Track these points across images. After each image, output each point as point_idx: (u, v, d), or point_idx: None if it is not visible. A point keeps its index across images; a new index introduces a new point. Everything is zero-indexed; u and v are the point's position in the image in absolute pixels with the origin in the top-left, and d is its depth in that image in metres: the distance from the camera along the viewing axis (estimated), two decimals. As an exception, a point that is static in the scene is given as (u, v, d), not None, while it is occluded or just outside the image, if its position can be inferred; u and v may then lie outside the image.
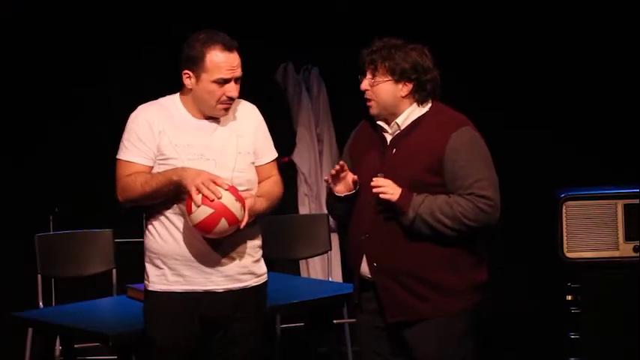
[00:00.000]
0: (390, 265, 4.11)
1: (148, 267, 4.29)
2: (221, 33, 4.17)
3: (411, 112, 4.16)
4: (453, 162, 4.05)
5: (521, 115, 6.68)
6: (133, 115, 4.25)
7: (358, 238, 4.18)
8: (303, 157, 7.11)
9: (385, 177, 4.11)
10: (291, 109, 7.15)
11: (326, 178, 4.27)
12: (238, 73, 4.16)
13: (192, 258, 4.18)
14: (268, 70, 7.14)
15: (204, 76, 4.12)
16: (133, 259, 6.91)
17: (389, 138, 4.19)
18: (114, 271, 6.13)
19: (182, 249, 4.19)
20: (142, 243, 6.97)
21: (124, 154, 4.24)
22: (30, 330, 6.02)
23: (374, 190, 4.07)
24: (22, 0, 6.87)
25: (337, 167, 4.20)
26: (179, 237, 4.19)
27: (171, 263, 4.21)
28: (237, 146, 4.23)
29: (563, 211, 5.74)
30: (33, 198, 6.93)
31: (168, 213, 4.21)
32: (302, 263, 7.09)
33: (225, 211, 4.04)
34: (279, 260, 6.50)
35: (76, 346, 5.49)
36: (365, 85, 4.18)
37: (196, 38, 4.15)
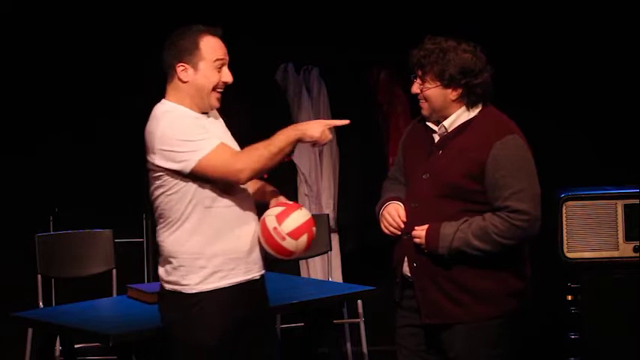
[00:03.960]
0: (428, 266, 4.12)
1: (185, 270, 4.13)
2: (200, 24, 4.20)
3: (459, 116, 4.13)
4: (494, 171, 4.02)
5: (520, 115, 6.66)
6: (175, 118, 4.13)
7: (401, 237, 4.21)
8: (303, 157, 7.11)
9: (430, 177, 4.12)
10: (291, 109, 7.15)
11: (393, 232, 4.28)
12: (228, 58, 4.19)
13: (237, 250, 4.17)
14: (268, 70, 7.14)
15: (201, 63, 4.13)
16: (133, 259, 6.95)
17: (437, 139, 4.18)
18: (114, 271, 6.14)
19: (227, 244, 4.15)
20: (142, 243, 7.05)
21: (212, 142, 4.07)
22: (30, 330, 6.03)
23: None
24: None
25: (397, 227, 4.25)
26: (224, 233, 4.14)
27: (215, 261, 4.13)
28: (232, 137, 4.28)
29: (563, 211, 5.74)
30: (33, 198, 6.94)
31: (207, 212, 4.12)
32: (302, 263, 7.09)
33: (312, 223, 4.19)
34: (279, 260, 6.50)
35: (76, 346, 5.49)
36: (415, 89, 4.16)
37: (181, 32, 4.18)
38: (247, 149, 4.11)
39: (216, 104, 4.22)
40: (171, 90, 4.21)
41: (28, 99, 6.97)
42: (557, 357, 5.90)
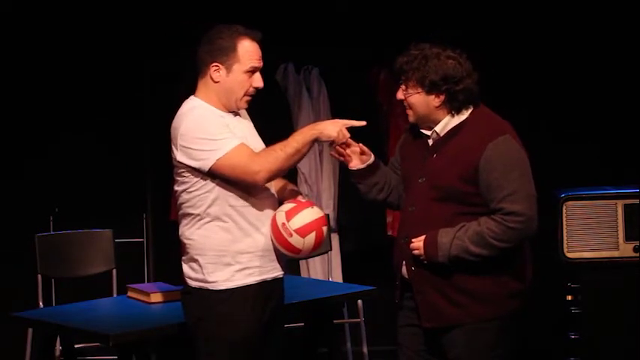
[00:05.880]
0: (427, 269, 4.12)
1: (212, 267, 4.15)
2: (239, 25, 4.20)
3: (448, 121, 4.14)
4: (488, 173, 4.02)
5: (520, 115, 6.66)
6: (199, 115, 4.12)
7: (400, 241, 4.23)
8: (303, 157, 7.09)
9: (426, 181, 4.13)
10: (292, 109, 7.14)
11: (332, 153, 4.35)
12: (262, 64, 4.22)
13: (264, 248, 4.18)
14: (268, 70, 7.13)
15: (236, 66, 4.14)
16: (133, 259, 6.95)
17: (431, 143, 4.19)
18: (114, 271, 6.14)
19: (254, 241, 4.17)
20: (142, 243, 7.05)
21: (232, 142, 4.07)
22: (30, 330, 6.03)
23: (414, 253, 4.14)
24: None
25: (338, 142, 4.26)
26: (250, 230, 4.16)
27: (241, 258, 4.15)
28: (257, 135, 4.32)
29: (563, 211, 5.74)
30: (33, 198, 6.93)
31: (231, 210, 4.14)
32: (302, 263, 7.09)
33: (322, 222, 4.18)
34: (288, 260, 6.50)
35: (76, 346, 5.49)
36: (399, 95, 4.18)
37: (220, 30, 4.17)
38: (264, 151, 4.13)
39: (245, 106, 4.24)
40: (201, 86, 4.21)
41: (28, 99, 6.96)
42: (557, 357, 5.90)
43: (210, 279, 4.16)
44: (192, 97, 4.23)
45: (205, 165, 4.07)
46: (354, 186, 4.40)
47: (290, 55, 7.10)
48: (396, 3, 6.97)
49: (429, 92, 4.10)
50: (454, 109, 4.12)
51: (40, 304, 5.97)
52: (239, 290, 4.15)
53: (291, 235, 4.13)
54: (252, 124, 4.34)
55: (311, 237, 4.16)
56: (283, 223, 4.14)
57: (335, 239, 7.04)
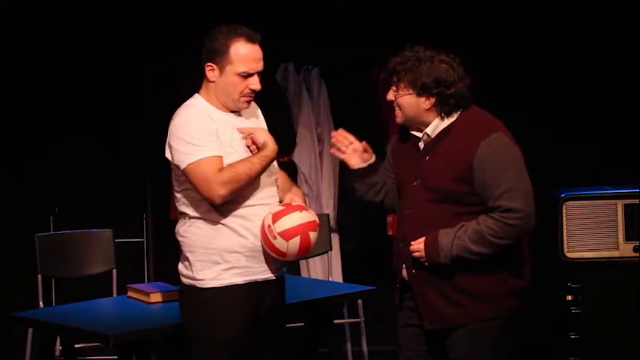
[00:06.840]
0: (426, 271, 4.12)
1: (201, 264, 4.16)
2: (243, 26, 4.19)
3: (438, 123, 4.14)
4: (482, 171, 4.02)
5: (520, 115, 6.67)
6: (188, 116, 4.13)
7: (398, 244, 4.22)
8: (303, 157, 7.11)
9: (421, 184, 4.12)
10: (292, 109, 7.15)
11: (332, 151, 4.32)
12: (261, 66, 4.19)
13: (253, 248, 4.17)
14: (268, 70, 7.12)
15: (228, 68, 4.13)
16: (133, 259, 6.95)
17: (422, 145, 4.18)
18: (114, 271, 6.13)
19: (243, 241, 4.16)
20: (142, 243, 7.05)
21: (206, 152, 4.06)
22: (30, 330, 6.03)
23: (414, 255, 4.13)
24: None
25: (335, 136, 4.28)
26: (240, 230, 4.15)
27: (229, 257, 4.15)
28: None
29: (563, 211, 5.74)
30: (33, 198, 6.94)
31: (222, 209, 4.12)
32: (302, 263, 7.09)
33: (309, 227, 4.16)
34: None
35: (76, 346, 5.48)
36: (390, 95, 4.17)
37: (219, 31, 4.16)
38: (229, 171, 4.07)
39: (244, 107, 4.23)
40: (203, 85, 4.23)
41: (28, 99, 6.96)
42: (557, 357, 5.90)
43: (198, 277, 4.17)
44: (195, 94, 4.24)
45: (180, 166, 4.09)
46: (351, 188, 4.38)
47: (290, 55, 7.11)
48: (395, 3, 6.98)
49: (419, 94, 4.10)
50: (444, 112, 4.13)
51: (40, 304, 5.97)
52: (226, 289, 4.15)
53: (275, 238, 4.11)
54: (260, 123, 4.33)
55: (295, 241, 4.13)
56: (269, 225, 4.12)
57: (335, 239, 7.04)
